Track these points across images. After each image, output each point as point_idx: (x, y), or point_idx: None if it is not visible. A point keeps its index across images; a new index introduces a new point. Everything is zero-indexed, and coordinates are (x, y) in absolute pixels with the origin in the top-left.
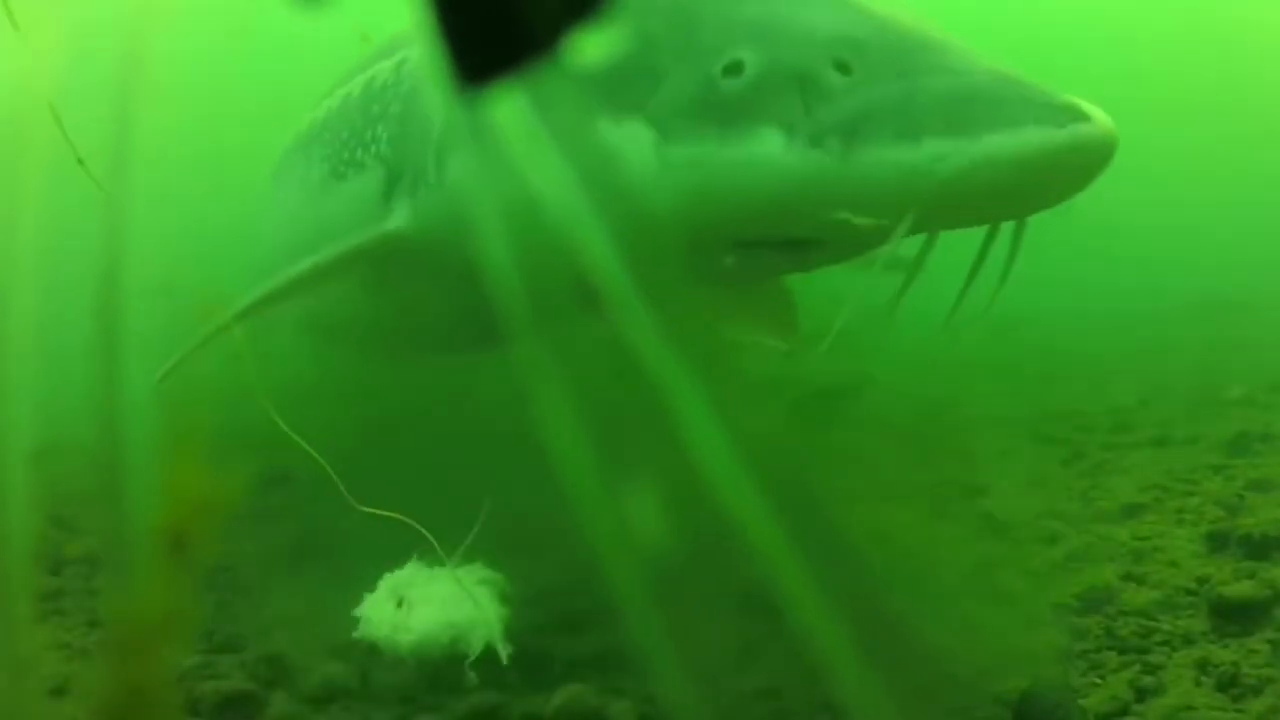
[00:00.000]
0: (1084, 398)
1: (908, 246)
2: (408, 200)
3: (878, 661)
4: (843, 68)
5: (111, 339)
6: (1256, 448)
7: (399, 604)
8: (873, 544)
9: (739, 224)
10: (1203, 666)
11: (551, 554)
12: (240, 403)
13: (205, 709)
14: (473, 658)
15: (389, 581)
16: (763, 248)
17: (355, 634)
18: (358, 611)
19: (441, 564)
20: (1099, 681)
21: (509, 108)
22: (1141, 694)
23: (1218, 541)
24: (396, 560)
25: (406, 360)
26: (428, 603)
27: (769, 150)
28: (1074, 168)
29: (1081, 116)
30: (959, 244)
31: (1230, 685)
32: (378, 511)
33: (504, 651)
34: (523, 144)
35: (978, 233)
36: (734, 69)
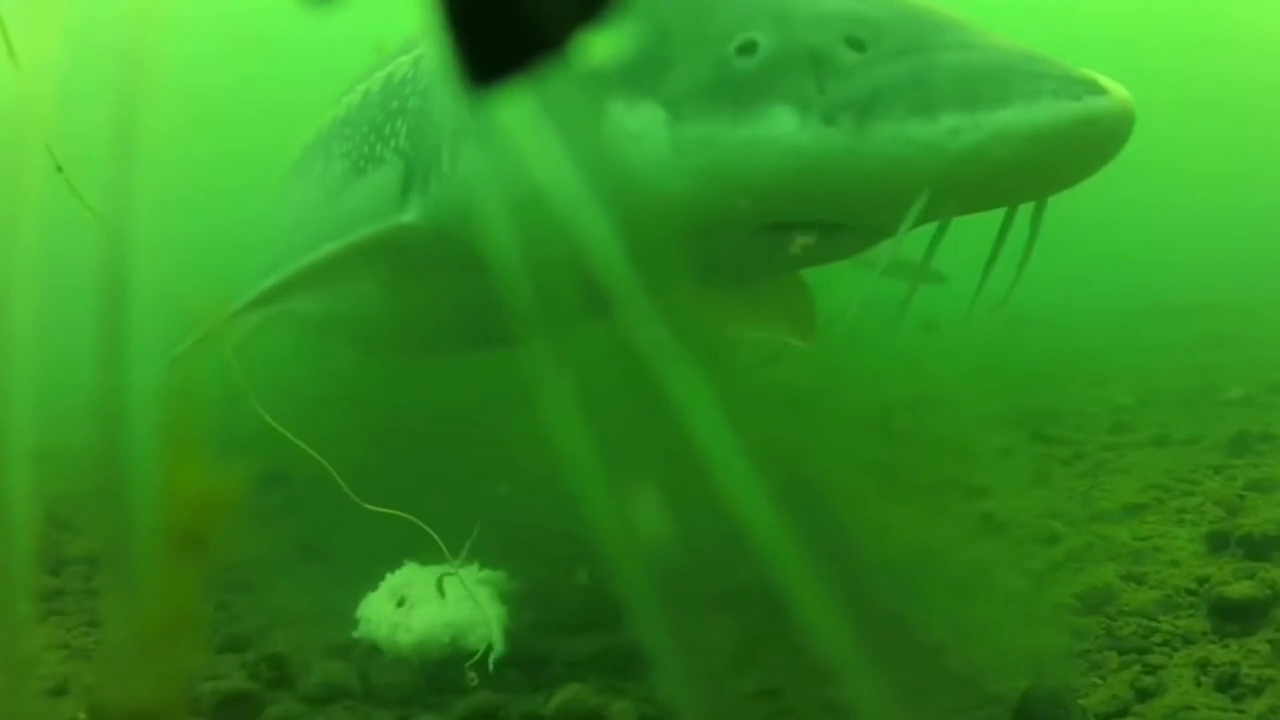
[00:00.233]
0: (1084, 397)
1: (911, 248)
2: (422, 193)
3: (878, 661)
4: (856, 45)
5: (114, 339)
6: (1256, 448)
7: (399, 603)
8: (873, 543)
9: (754, 205)
10: (1203, 666)
11: (552, 554)
12: (240, 402)
13: (205, 709)
14: (474, 658)
15: (389, 581)
16: (789, 231)
17: (355, 634)
18: (358, 611)
19: (442, 563)
20: (1099, 681)
21: (519, 102)
22: (1142, 694)
23: (1218, 541)
24: (397, 560)
25: (424, 359)
26: (428, 602)
27: (782, 129)
28: (1091, 142)
29: (1098, 90)
30: (960, 244)
31: (1230, 685)
32: (381, 509)
33: (496, 649)
34: (532, 137)
35: (982, 230)
36: (747, 49)
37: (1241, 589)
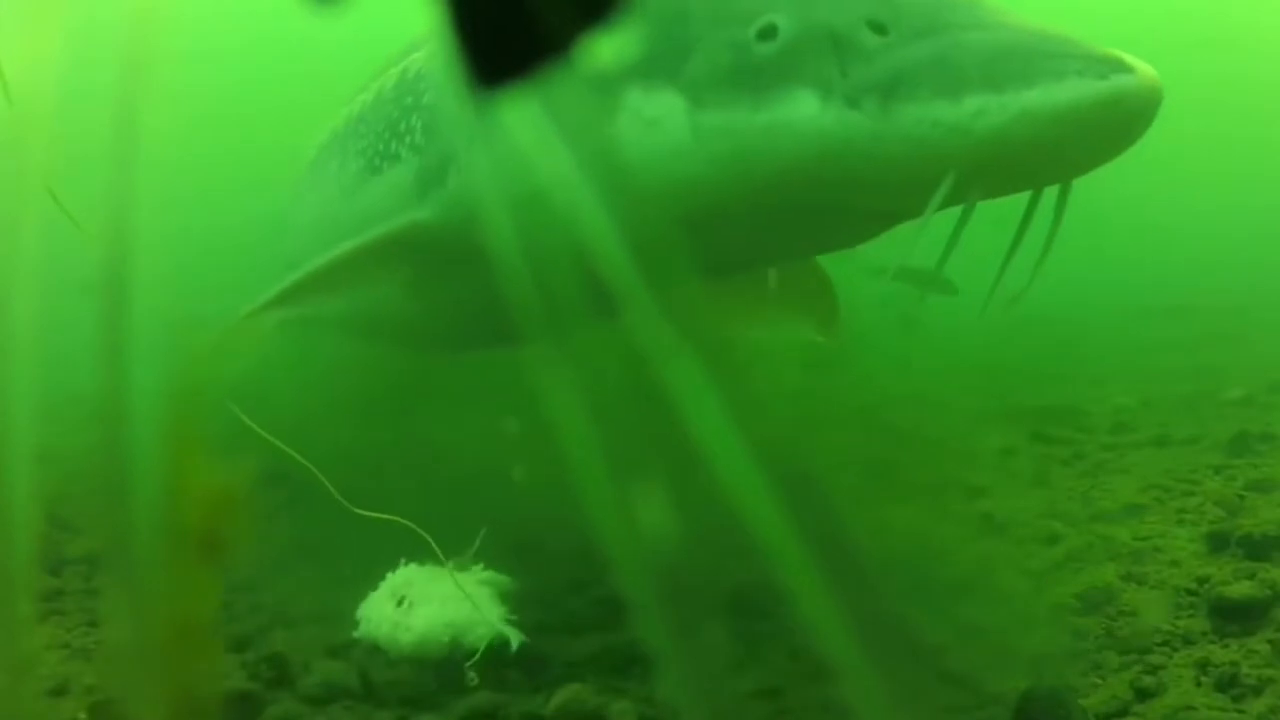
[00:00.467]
0: (1084, 397)
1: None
2: (439, 188)
3: (878, 661)
4: (878, 28)
5: (117, 339)
6: (1256, 448)
7: (399, 603)
8: (873, 543)
9: (776, 190)
10: (1203, 667)
11: (553, 553)
12: (238, 401)
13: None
14: (475, 658)
15: (390, 581)
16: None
17: (356, 633)
18: (358, 611)
19: (440, 564)
20: (1099, 681)
21: (532, 94)
22: (1141, 694)
23: (1218, 541)
24: (398, 559)
25: (440, 357)
26: (428, 602)
27: (804, 113)
28: (1117, 121)
29: (1125, 68)
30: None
31: (1230, 685)
32: (372, 514)
33: (515, 642)
34: (544, 129)
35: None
36: (768, 33)
37: (1241, 589)
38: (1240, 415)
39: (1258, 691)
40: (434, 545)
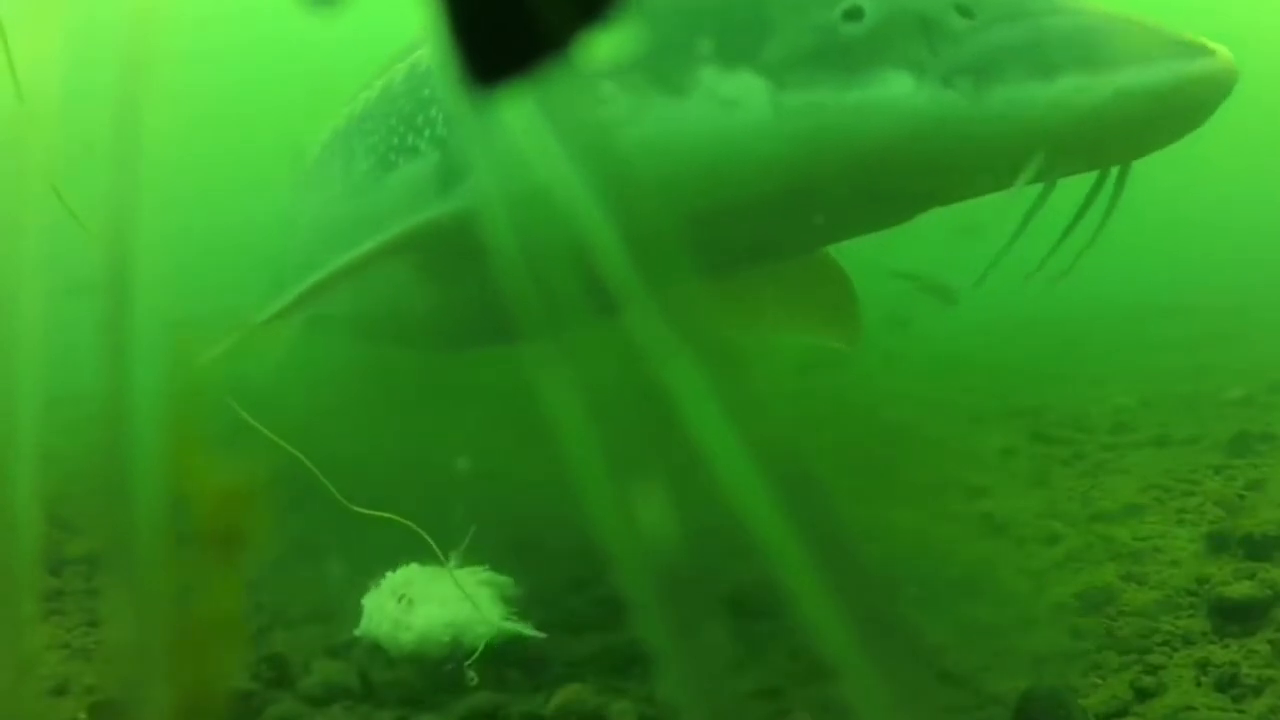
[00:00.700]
0: (1084, 397)
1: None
2: (466, 180)
3: (878, 661)
4: (964, 11)
5: (118, 339)
6: (1256, 448)
7: (400, 602)
8: (874, 543)
9: (860, 170)
10: (1203, 667)
11: (553, 552)
12: (245, 401)
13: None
14: (474, 656)
15: (390, 580)
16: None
17: (356, 631)
18: (359, 609)
19: (440, 564)
20: (1099, 681)
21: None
22: (1142, 694)
23: (1218, 541)
24: (399, 559)
25: (451, 355)
26: (428, 601)
27: (898, 92)
28: (1200, 101)
29: (1207, 51)
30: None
31: (1230, 685)
32: (371, 513)
33: (529, 630)
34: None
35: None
36: (853, 14)
37: (1241, 589)
38: (1240, 415)
39: (1258, 691)
40: (432, 544)
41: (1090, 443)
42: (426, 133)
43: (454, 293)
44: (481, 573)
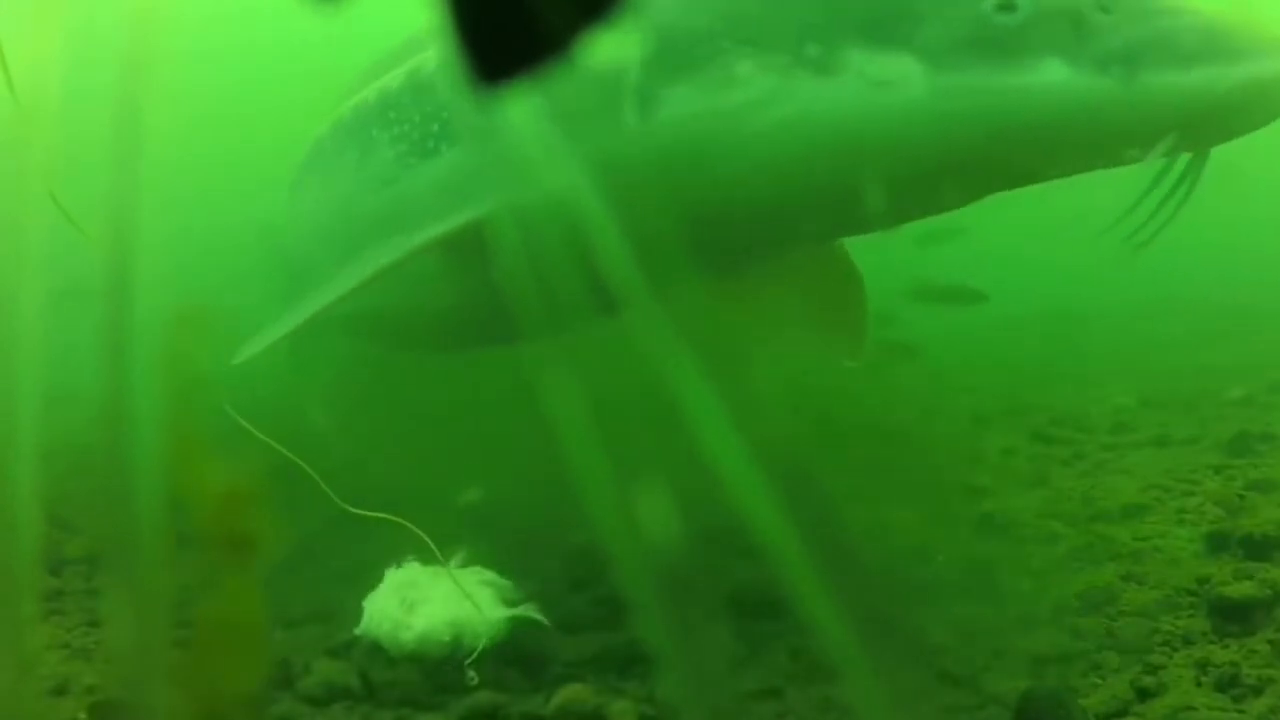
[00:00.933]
0: (1084, 397)
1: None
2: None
3: (878, 661)
4: (1103, 8)
5: (118, 340)
6: (1256, 448)
7: (401, 601)
8: (874, 543)
9: (1013, 149)
10: (1203, 667)
11: (553, 552)
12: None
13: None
14: (473, 655)
15: (391, 579)
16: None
17: (356, 630)
18: (359, 609)
19: (440, 564)
20: (1099, 681)
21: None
22: (1142, 694)
23: (1218, 541)
24: (398, 558)
25: (461, 355)
26: (429, 600)
27: (1054, 77)
28: None
29: None
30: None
31: (1230, 685)
32: (368, 513)
33: (539, 617)
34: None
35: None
36: (1006, 7)
37: (1241, 589)
38: (1240, 415)
39: (1258, 691)
40: (431, 544)
41: (1090, 443)
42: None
43: (474, 287)
44: (482, 572)
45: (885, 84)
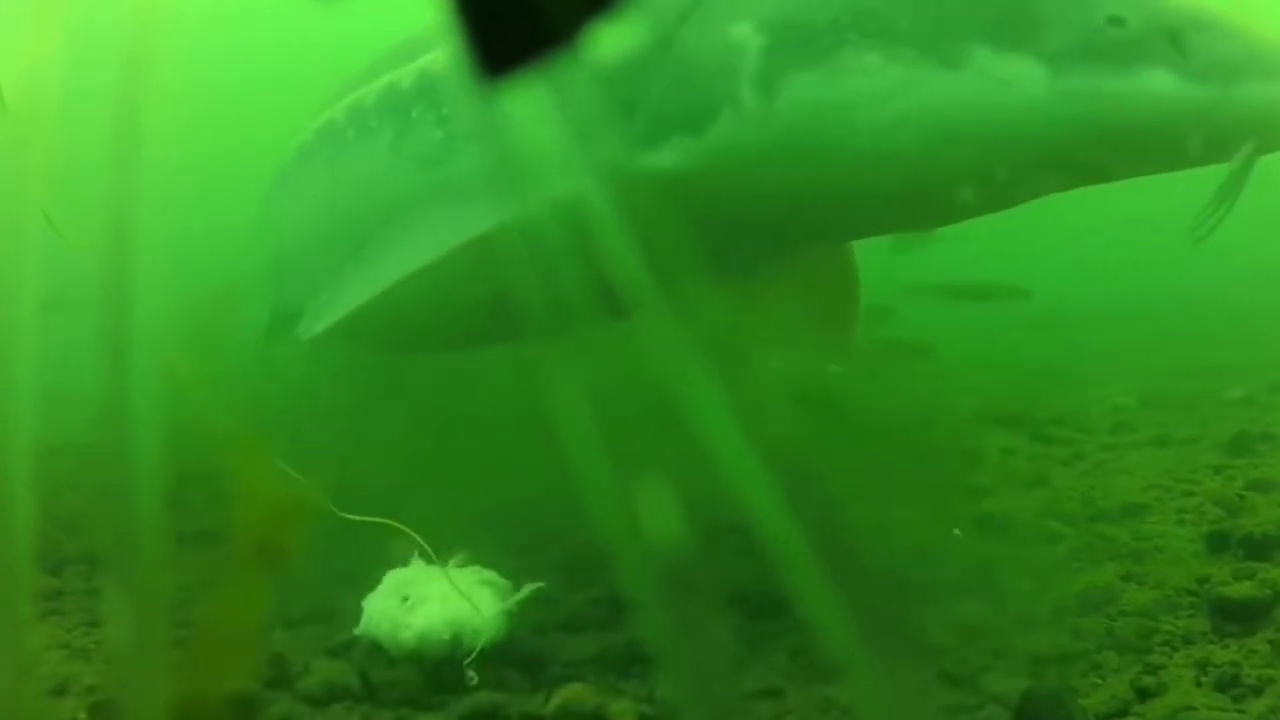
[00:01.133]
0: (1084, 397)
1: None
2: (692, 135)
3: (878, 661)
4: (1195, 28)
5: (119, 340)
6: (1256, 448)
7: (401, 601)
8: (874, 543)
9: (1119, 151)
10: (1203, 667)
11: (553, 552)
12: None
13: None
14: (473, 656)
15: (392, 578)
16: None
17: (356, 630)
18: (359, 609)
19: (439, 565)
20: (1099, 681)
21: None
22: (1142, 694)
23: (1218, 541)
24: (399, 558)
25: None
26: (429, 600)
27: (1163, 85)
28: None
29: None
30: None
31: (1231, 685)
32: (364, 519)
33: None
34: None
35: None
36: (1117, 21)
37: (1241, 589)
38: (1240, 415)
39: (1258, 691)
40: (425, 546)
41: (1090, 443)
42: None
43: (488, 285)
44: (481, 571)
45: (1008, 82)
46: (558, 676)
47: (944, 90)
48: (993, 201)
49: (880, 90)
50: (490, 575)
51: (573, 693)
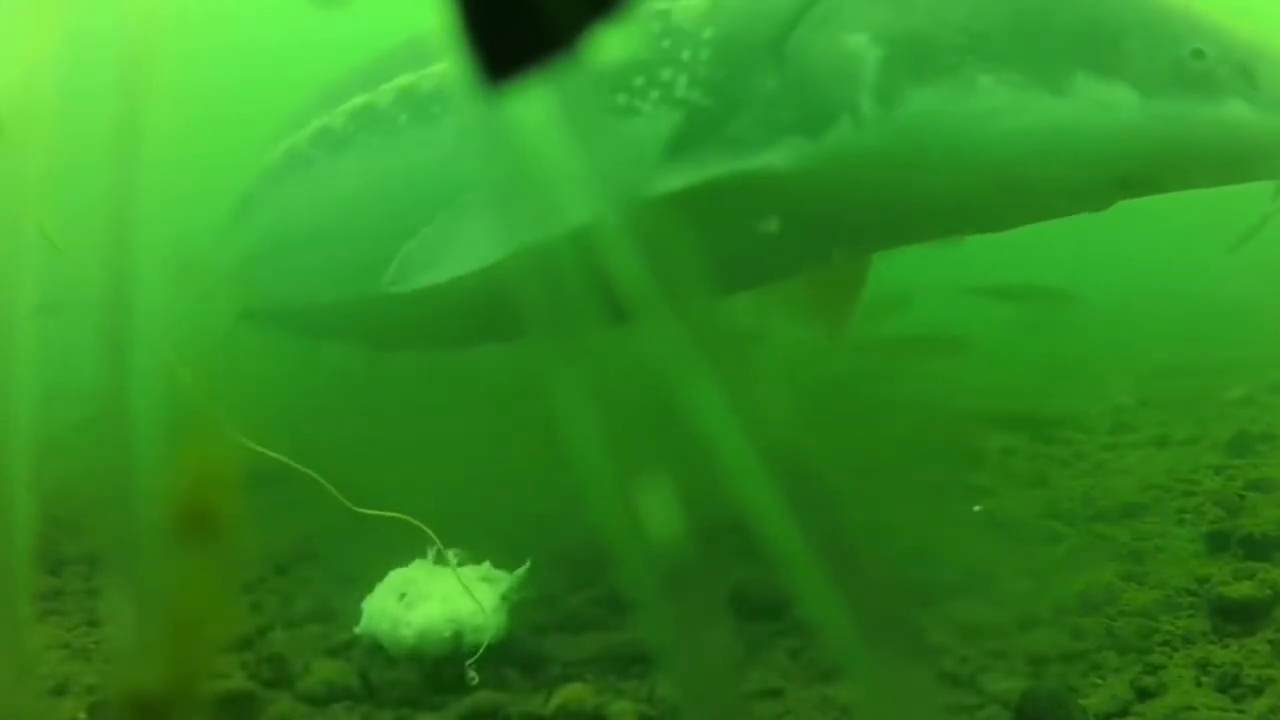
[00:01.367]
0: (1084, 397)
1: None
2: (811, 137)
3: (878, 661)
4: (1262, 60)
5: (118, 339)
6: (1256, 448)
7: (400, 599)
8: (874, 543)
9: (1197, 167)
10: (1203, 667)
11: (553, 552)
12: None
13: (205, 708)
14: (475, 657)
15: (392, 577)
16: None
17: (356, 630)
18: (360, 607)
19: (444, 561)
20: (1099, 681)
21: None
22: (1142, 694)
23: (1218, 541)
24: (399, 557)
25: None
26: (429, 598)
27: (1240, 112)
28: None
29: None
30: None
31: (1231, 685)
32: (374, 512)
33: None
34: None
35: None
36: (1198, 55)
37: (1241, 589)
38: (1240, 415)
39: (1258, 691)
40: (435, 539)
41: (1090, 443)
42: (653, 95)
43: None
44: (482, 569)
45: (1106, 106)
46: (558, 676)
47: (1049, 111)
48: (1072, 209)
49: (992, 108)
50: (489, 571)
51: (573, 693)
